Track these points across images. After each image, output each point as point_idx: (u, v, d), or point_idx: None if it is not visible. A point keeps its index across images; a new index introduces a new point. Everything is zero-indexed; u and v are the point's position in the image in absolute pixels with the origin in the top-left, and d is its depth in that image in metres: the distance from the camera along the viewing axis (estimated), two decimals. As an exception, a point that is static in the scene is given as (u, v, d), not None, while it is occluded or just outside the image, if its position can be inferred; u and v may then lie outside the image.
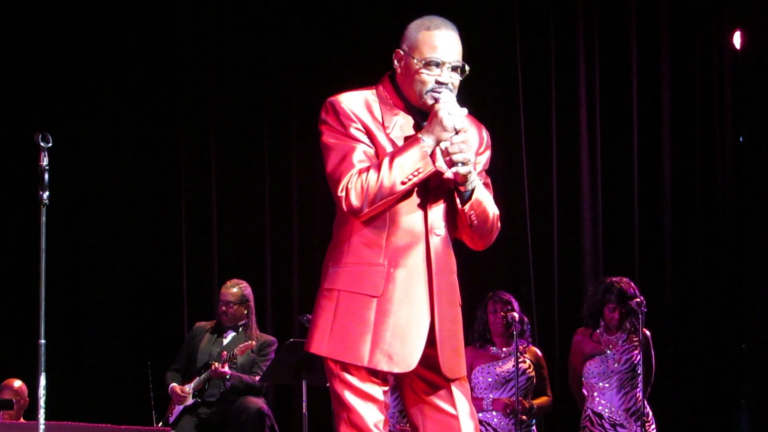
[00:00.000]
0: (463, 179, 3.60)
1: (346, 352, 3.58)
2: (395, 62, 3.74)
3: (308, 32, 9.52)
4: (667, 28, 9.57)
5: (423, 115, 3.69)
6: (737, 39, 9.44)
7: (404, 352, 3.58)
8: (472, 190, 3.64)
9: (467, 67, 3.70)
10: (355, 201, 3.54)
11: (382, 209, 3.58)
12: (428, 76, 3.64)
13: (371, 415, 3.59)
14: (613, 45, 9.56)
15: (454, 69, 3.67)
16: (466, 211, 3.65)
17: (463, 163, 3.57)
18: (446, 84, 3.64)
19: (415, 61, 3.66)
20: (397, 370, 3.59)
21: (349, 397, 3.60)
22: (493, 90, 9.38)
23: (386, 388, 3.64)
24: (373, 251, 3.61)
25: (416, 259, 3.62)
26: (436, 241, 3.65)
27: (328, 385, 7.58)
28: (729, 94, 9.55)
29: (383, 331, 3.57)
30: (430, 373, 3.68)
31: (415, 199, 3.63)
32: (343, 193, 3.55)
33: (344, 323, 3.59)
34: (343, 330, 3.59)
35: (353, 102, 3.67)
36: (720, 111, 9.56)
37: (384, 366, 3.57)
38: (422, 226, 3.64)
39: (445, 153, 3.58)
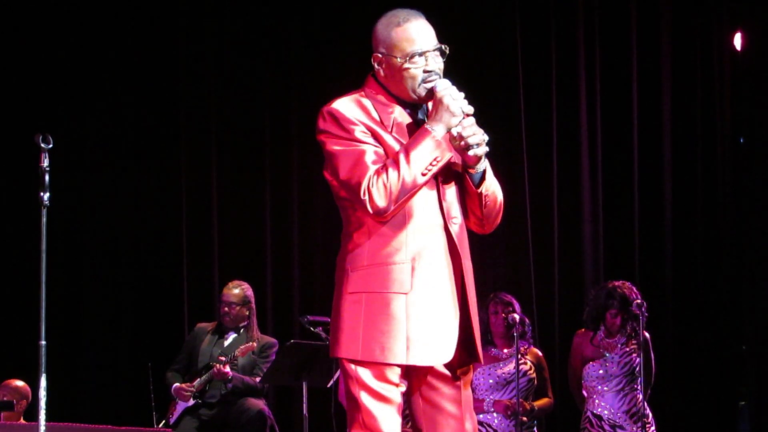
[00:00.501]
0: (478, 161, 3.62)
1: (382, 353, 3.56)
2: (376, 66, 3.75)
3: (309, 34, 9.52)
4: (667, 29, 9.57)
5: (417, 108, 3.72)
6: (738, 40, 9.44)
7: (441, 344, 3.60)
8: (484, 171, 3.67)
9: (446, 48, 3.71)
10: (380, 201, 3.53)
11: (405, 205, 3.58)
12: (415, 69, 3.66)
13: (387, 417, 3.59)
14: (614, 46, 9.55)
15: (435, 53, 3.68)
16: (482, 192, 3.67)
17: (478, 144, 3.59)
18: (434, 71, 3.66)
19: (398, 59, 3.67)
20: (436, 362, 3.61)
21: (365, 399, 3.58)
22: (494, 92, 9.37)
23: (403, 389, 3.64)
24: (395, 249, 3.60)
25: (439, 251, 3.63)
26: (456, 229, 3.67)
27: (328, 386, 7.60)
28: (729, 95, 9.55)
29: (417, 327, 3.57)
30: (441, 373, 3.70)
31: (428, 191, 3.64)
32: (366, 196, 3.53)
33: (375, 324, 3.57)
34: (375, 331, 3.57)
35: (350, 106, 3.67)
36: (720, 112, 9.56)
37: (424, 361, 3.59)
38: (440, 216, 3.65)
39: (459, 138, 3.58)
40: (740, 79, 9.50)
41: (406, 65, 3.66)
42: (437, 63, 3.68)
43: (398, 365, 3.59)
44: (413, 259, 3.59)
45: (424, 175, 3.55)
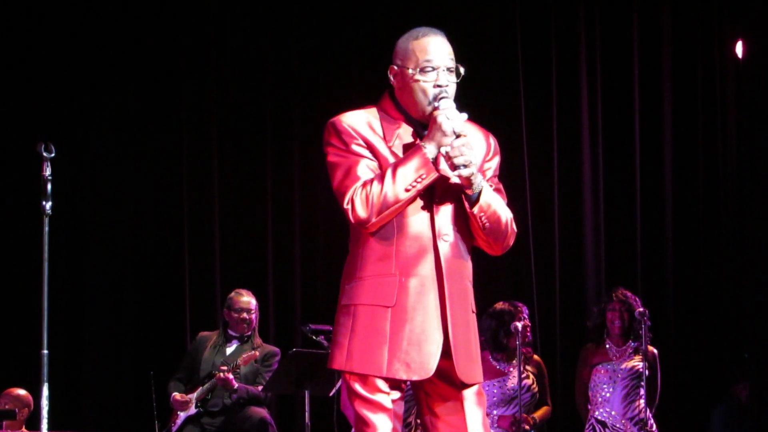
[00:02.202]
0: (468, 182, 3.64)
1: (365, 365, 3.62)
2: (391, 78, 3.79)
3: (312, 41, 9.53)
4: (669, 37, 9.58)
5: (424, 126, 3.73)
6: (739, 48, 9.43)
7: (421, 360, 3.62)
8: (479, 192, 3.67)
9: (462, 69, 3.74)
10: (360, 212, 3.59)
11: (389, 218, 3.62)
12: (425, 83, 3.69)
13: (380, 423, 3.62)
14: (615, 55, 9.56)
15: (448, 71, 3.72)
16: (475, 213, 3.68)
17: (465, 166, 3.61)
18: (445, 86, 3.68)
19: (410, 70, 3.71)
20: (415, 377, 3.63)
21: (358, 407, 3.64)
22: (495, 102, 9.38)
23: (397, 397, 3.67)
24: (384, 262, 3.64)
25: (426, 267, 3.65)
26: (445, 248, 3.68)
27: (330, 395, 7.61)
28: (731, 103, 9.55)
29: (399, 340, 3.61)
30: (443, 385, 3.71)
31: (421, 207, 3.67)
32: (349, 206, 3.60)
33: (362, 336, 3.63)
34: (361, 343, 3.63)
35: (353, 120, 3.72)
36: (722, 120, 9.56)
37: (402, 374, 3.62)
38: (430, 233, 3.67)
39: (447, 157, 3.61)
40: (742, 88, 9.50)
41: (417, 76, 3.69)
42: (448, 80, 3.71)
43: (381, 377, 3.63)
44: (400, 273, 3.64)
45: (407, 191, 3.59)
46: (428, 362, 3.62)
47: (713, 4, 9.64)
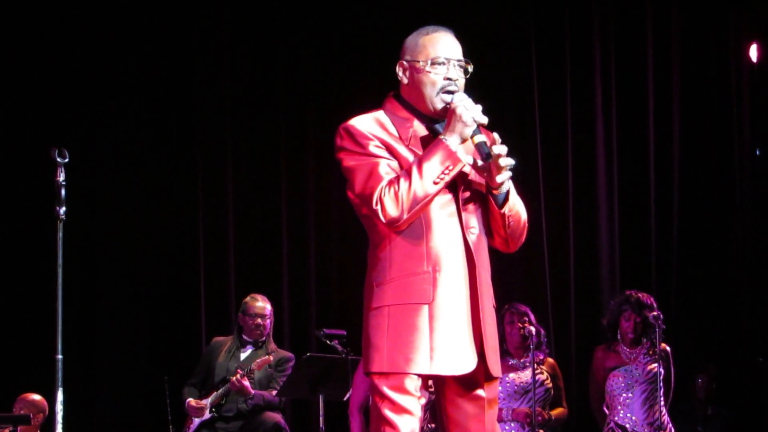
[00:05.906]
0: (500, 183, 3.65)
1: (406, 364, 3.59)
2: (399, 74, 3.81)
3: (324, 51, 9.54)
4: (682, 41, 9.57)
5: (436, 123, 3.75)
6: (754, 51, 9.42)
7: (464, 354, 3.62)
8: (507, 192, 3.70)
9: (471, 66, 3.77)
10: (391, 211, 3.58)
11: (419, 214, 3.62)
12: (436, 75, 3.72)
13: (407, 428, 3.60)
14: (629, 59, 9.56)
15: (458, 66, 3.75)
16: (506, 213, 3.71)
17: (504, 168, 3.63)
18: (455, 80, 3.71)
19: (421, 63, 3.73)
20: (459, 372, 3.62)
21: (386, 410, 3.61)
22: (509, 109, 9.38)
23: (423, 402, 3.66)
24: (415, 261, 3.63)
25: (458, 260, 3.66)
26: (473, 239, 3.69)
27: (345, 399, 7.59)
28: (746, 106, 9.53)
29: (440, 336, 3.60)
30: (463, 389, 3.72)
31: (447, 203, 3.68)
32: (378, 206, 3.58)
33: (400, 336, 3.61)
34: (399, 343, 3.60)
35: (366, 122, 3.72)
36: (737, 123, 9.54)
37: (447, 370, 3.61)
38: (458, 227, 3.68)
39: (496, 165, 3.62)
40: (757, 92, 9.49)
41: (428, 69, 3.71)
42: (458, 74, 3.74)
43: (419, 376, 3.61)
44: (434, 269, 3.63)
45: (435, 184, 3.58)
46: (471, 355, 3.63)
47: (728, 7, 9.62)
